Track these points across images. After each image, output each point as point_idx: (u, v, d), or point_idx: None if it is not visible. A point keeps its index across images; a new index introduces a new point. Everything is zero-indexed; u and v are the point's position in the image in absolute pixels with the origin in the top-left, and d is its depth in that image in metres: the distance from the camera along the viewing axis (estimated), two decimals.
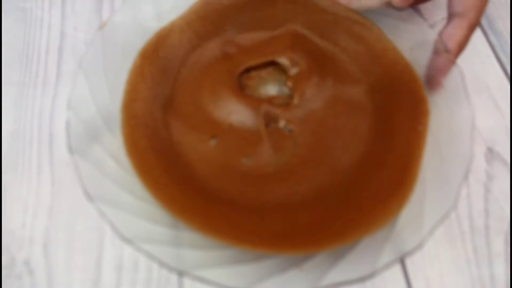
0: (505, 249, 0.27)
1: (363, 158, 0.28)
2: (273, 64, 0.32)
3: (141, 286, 0.26)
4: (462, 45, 0.29)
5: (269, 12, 0.34)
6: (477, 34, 0.35)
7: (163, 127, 0.29)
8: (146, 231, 0.25)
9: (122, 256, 0.27)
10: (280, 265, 0.24)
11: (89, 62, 0.29)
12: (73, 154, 0.25)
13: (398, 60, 0.31)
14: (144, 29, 0.32)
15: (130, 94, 0.30)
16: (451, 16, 0.29)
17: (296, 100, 0.30)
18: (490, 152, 0.30)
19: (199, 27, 0.33)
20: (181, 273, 0.23)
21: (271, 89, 0.32)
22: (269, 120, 0.30)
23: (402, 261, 0.27)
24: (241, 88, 0.31)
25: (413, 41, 0.31)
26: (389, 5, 0.31)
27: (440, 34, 0.29)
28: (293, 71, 0.31)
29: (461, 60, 0.29)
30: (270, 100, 0.31)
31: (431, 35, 0.30)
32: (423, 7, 0.36)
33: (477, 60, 0.34)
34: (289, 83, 0.31)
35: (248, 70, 0.32)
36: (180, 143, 0.29)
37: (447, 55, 0.29)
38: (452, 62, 0.29)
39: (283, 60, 0.32)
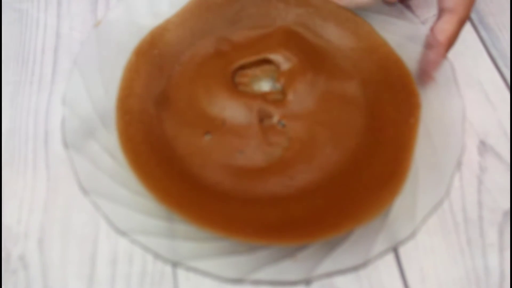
0: (499, 240, 0.28)
1: (355, 151, 0.29)
2: (266, 61, 0.33)
3: (136, 279, 0.26)
4: (452, 40, 0.29)
5: (262, 10, 0.35)
6: (468, 30, 0.36)
7: (157, 123, 0.30)
8: (141, 224, 0.25)
9: (117, 250, 0.27)
10: (274, 256, 0.24)
11: (84, 59, 0.29)
12: (68, 149, 0.26)
13: (390, 55, 0.32)
14: (139, 27, 0.32)
15: (125, 90, 0.30)
16: (441, 11, 0.29)
17: (290, 96, 0.31)
18: (483, 145, 0.31)
19: (194, 25, 0.33)
20: (175, 264, 0.23)
21: (264, 86, 0.32)
22: (263, 116, 0.30)
23: (395, 252, 0.27)
24: (234, 85, 0.32)
25: (404, 36, 0.32)
26: (380, 0, 0.31)
27: (431, 29, 0.30)
28: (285, 66, 0.32)
29: (453, 55, 0.29)
30: (263, 96, 0.31)
31: (422, 30, 0.31)
32: (414, 4, 0.36)
33: (469, 55, 0.35)
34: (281, 79, 0.31)
35: (241, 67, 0.33)
36: (174, 138, 0.29)
37: (438, 49, 0.29)
38: (443, 56, 0.29)
39: (276, 57, 0.32)
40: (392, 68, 0.31)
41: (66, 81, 0.28)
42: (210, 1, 0.34)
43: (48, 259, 0.27)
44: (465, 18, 0.29)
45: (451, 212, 0.28)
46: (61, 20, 0.37)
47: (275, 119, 0.30)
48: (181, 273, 0.27)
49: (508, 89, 0.33)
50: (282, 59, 0.32)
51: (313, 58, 0.32)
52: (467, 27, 0.36)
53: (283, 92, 0.31)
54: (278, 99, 0.31)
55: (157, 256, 0.23)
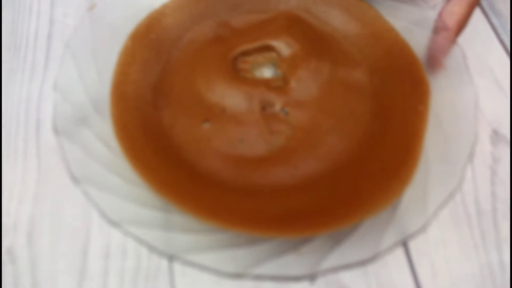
0: None
1: (362, 140, 0.27)
2: (268, 47, 0.31)
3: (130, 274, 0.25)
4: (462, 23, 0.28)
5: None
6: (478, 16, 0.34)
7: (154, 110, 0.28)
8: (135, 214, 0.23)
9: (110, 244, 0.26)
10: (276, 249, 0.23)
11: (77, 43, 0.28)
12: (59, 136, 0.24)
13: (397, 41, 0.30)
14: (135, 11, 0.31)
15: (120, 76, 0.29)
16: None
17: (292, 83, 0.29)
18: (496, 134, 0.29)
19: (192, 9, 0.32)
20: (171, 258, 0.22)
21: (266, 72, 0.31)
22: (265, 104, 0.29)
23: (405, 246, 0.26)
24: (235, 71, 0.30)
25: (412, 21, 0.30)
26: None
27: (440, 12, 0.28)
28: (287, 52, 0.30)
29: (463, 42, 0.28)
30: (265, 82, 0.29)
31: (430, 15, 0.29)
32: None
33: (479, 41, 0.33)
34: (283, 66, 0.30)
35: (242, 54, 0.31)
36: (171, 126, 0.28)
37: (447, 33, 0.28)
38: (453, 41, 0.28)
39: (278, 43, 0.31)
40: (399, 55, 0.30)
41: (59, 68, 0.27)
42: None
43: (38, 252, 0.25)
44: (476, 0, 0.28)
45: (463, 204, 0.27)
46: (54, 6, 0.36)
47: (278, 106, 0.28)
48: (178, 268, 0.25)
49: None
50: (284, 45, 0.31)
51: (317, 44, 0.31)
52: (477, 13, 0.34)
53: (285, 79, 0.30)
54: (280, 86, 0.29)
55: (152, 249, 0.22)
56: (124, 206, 0.23)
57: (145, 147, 0.26)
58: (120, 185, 0.24)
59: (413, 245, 0.26)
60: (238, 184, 0.26)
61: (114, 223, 0.22)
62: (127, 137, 0.26)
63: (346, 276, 0.25)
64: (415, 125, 0.26)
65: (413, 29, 0.30)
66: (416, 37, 0.30)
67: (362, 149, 0.27)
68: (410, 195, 0.24)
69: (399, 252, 0.26)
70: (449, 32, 0.28)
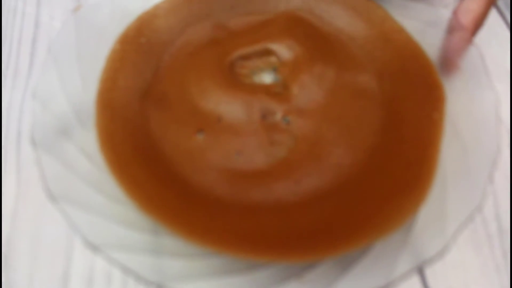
0: None
1: (372, 151, 0.25)
2: (267, 51, 0.29)
3: None
4: (479, 22, 0.26)
5: None
6: (494, 16, 0.32)
7: (143, 120, 0.26)
8: (120, 237, 0.21)
9: (93, 268, 0.23)
10: (277, 276, 0.21)
11: (60, 47, 0.26)
12: (36, 148, 0.22)
13: (408, 42, 0.28)
14: (124, 13, 0.29)
15: (107, 83, 0.26)
16: None
17: (295, 90, 0.27)
18: None
19: (186, 10, 0.30)
20: (161, 287, 0.19)
21: (266, 77, 0.28)
22: (265, 112, 0.26)
23: (421, 271, 0.23)
24: (232, 76, 0.28)
25: (424, 21, 0.28)
26: None
27: (455, 11, 0.26)
28: (288, 56, 0.28)
29: (478, 43, 0.26)
30: (266, 89, 0.27)
31: (444, 13, 0.27)
32: None
33: (495, 43, 0.31)
34: (284, 71, 0.28)
35: (240, 58, 0.29)
36: (162, 137, 0.25)
37: (462, 33, 0.25)
38: (469, 41, 0.25)
39: (278, 47, 0.28)
40: (410, 57, 0.27)
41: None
42: None
43: (14, 277, 0.23)
44: None
45: (483, 222, 0.25)
46: (40, 8, 0.33)
47: (278, 115, 0.26)
48: None
49: None
50: (285, 49, 0.28)
51: (321, 46, 0.28)
52: (493, 12, 0.32)
53: (286, 85, 0.27)
54: (281, 92, 0.27)
55: (138, 277, 0.19)
56: (108, 228, 0.21)
57: (132, 161, 0.24)
58: (103, 204, 0.22)
59: (429, 270, 0.23)
60: (235, 202, 0.23)
61: (96, 248, 0.20)
62: (113, 149, 0.24)
63: None
64: (430, 134, 0.24)
65: (426, 29, 0.28)
66: (429, 38, 0.27)
67: (371, 162, 0.24)
68: (426, 214, 0.22)
69: (414, 277, 0.23)
70: (465, 32, 0.25)
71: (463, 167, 0.23)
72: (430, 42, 0.27)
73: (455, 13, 0.26)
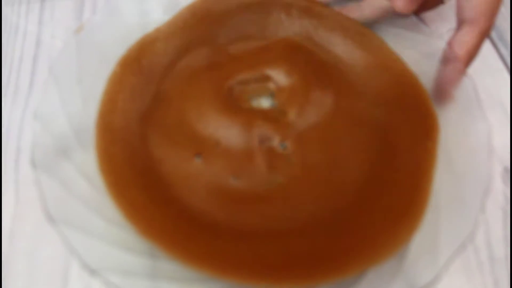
0: None
1: (367, 178, 0.25)
2: (265, 77, 0.29)
3: None
4: (472, 53, 0.26)
5: (262, 21, 0.31)
6: (487, 47, 0.33)
7: (142, 143, 0.26)
8: (117, 261, 0.21)
9: None
10: None
11: (61, 68, 0.26)
12: (36, 169, 0.22)
13: (403, 71, 0.29)
14: (125, 36, 0.29)
15: (107, 105, 0.27)
16: (460, 22, 0.27)
17: (292, 116, 0.27)
18: (507, 172, 0.27)
19: (187, 34, 0.30)
20: None
21: (264, 102, 0.29)
22: (263, 137, 0.27)
23: None
24: (230, 101, 0.28)
25: (420, 52, 0.29)
26: (392, 12, 0.28)
27: (449, 42, 0.27)
28: (285, 82, 0.28)
29: (471, 73, 0.26)
30: (264, 114, 0.28)
31: (439, 45, 0.28)
32: (428, 18, 0.34)
33: (488, 73, 0.32)
34: (281, 96, 0.28)
35: (239, 83, 0.29)
36: (161, 160, 0.26)
37: (456, 64, 0.26)
38: (462, 71, 0.26)
39: (275, 73, 0.29)
40: (406, 86, 0.28)
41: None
42: (205, 9, 0.31)
43: None
44: (487, 30, 0.26)
45: (474, 250, 0.25)
46: (42, 27, 0.34)
47: (276, 140, 0.26)
48: None
49: None
50: (283, 75, 0.29)
51: (318, 74, 0.29)
52: (486, 44, 0.33)
53: (283, 111, 0.28)
54: (279, 118, 0.28)
55: None
56: (105, 251, 0.21)
57: (131, 184, 0.24)
58: (102, 228, 0.22)
59: None
60: (231, 226, 0.23)
61: (93, 271, 0.20)
62: (112, 171, 0.24)
63: None
64: (424, 163, 0.25)
65: (421, 59, 0.28)
66: (424, 68, 0.28)
67: (367, 189, 0.25)
68: (419, 242, 0.22)
69: None
70: (459, 63, 0.26)
71: (455, 196, 0.23)
72: (425, 72, 0.28)
73: (449, 44, 0.27)
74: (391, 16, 0.29)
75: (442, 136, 0.25)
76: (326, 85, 0.28)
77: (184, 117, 0.27)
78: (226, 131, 0.26)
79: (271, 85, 0.29)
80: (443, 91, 0.27)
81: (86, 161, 0.24)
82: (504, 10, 0.35)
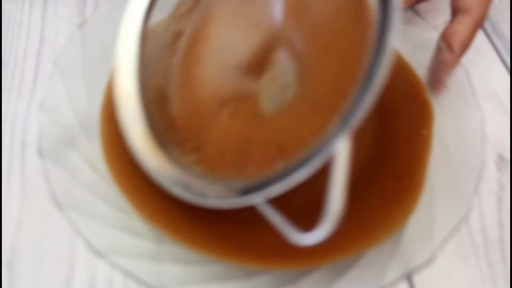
0: None
1: (363, 165, 0.26)
2: None
3: None
4: (466, 43, 0.27)
5: None
6: (481, 38, 0.34)
7: None
8: (123, 244, 0.22)
9: (95, 275, 0.24)
10: (273, 283, 0.22)
11: (66, 61, 0.27)
12: (43, 158, 0.23)
13: (399, 62, 0.29)
14: None
15: (111, 95, 0.27)
16: (454, 12, 0.27)
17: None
18: (501, 160, 0.28)
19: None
20: None
21: None
22: None
23: (410, 279, 0.24)
24: None
25: (414, 42, 0.29)
26: None
27: (443, 32, 0.27)
28: None
29: (465, 63, 0.27)
30: None
31: (433, 35, 0.28)
32: (423, 10, 0.34)
33: (482, 63, 0.32)
34: None
35: None
36: None
37: (450, 53, 0.27)
38: (456, 61, 0.27)
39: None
40: (401, 76, 0.29)
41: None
42: None
43: (18, 283, 0.24)
44: (481, 20, 0.27)
45: (469, 234, 0.26)
46: (46, 23, 0.35)
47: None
48: None
49: None
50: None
51: None
52: (480, 34, 0.34)
53: None
54: None
55: (140, 282, 0.20)
56: (111, 235, 0.22)
57: (135, 171, 0.25)
58: (107, 212, 0.23)
59: (418, 278, 0.24)
60: (233, 212, 0.24)
61: (100, 253, 0.21)
62: (117, 160, 0.25)
63: None
64: (419, 150, 0.25)
65: (415, 50, 0.29)
66: (419, 58, 0.29)
67: (363, 175, 0.25)
68: (415, 225, 0.23)
69: (403, 286, 0.24)
70: (452, 52, 0.27)
71: (450, 180, 0.24)
72: (420, 62, 0.29)
73: (443, 35, 0.27)
74: None
75: (437, 123, 0.26)
76: None
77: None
78: None
79: None
80: (437, 80, 0.28)
81: (91, 150, 0.25)
82: (498, 1, 0.35)
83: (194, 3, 0.30)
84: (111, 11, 0.29)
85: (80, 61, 0.27)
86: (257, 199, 0.20)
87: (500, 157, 0.28)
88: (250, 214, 0.24)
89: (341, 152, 0.18)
